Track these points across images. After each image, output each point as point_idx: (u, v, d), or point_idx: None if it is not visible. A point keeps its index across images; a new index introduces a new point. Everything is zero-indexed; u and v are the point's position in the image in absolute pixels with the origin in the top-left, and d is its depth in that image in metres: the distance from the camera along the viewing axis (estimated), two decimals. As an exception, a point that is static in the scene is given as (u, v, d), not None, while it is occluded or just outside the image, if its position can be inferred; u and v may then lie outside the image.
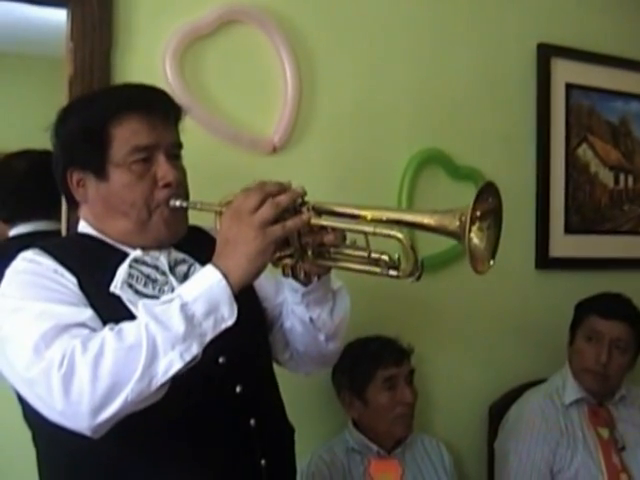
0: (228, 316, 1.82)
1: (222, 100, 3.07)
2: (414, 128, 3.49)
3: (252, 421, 2.11)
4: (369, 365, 3.11)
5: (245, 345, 2.05)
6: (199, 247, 2.11)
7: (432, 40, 3.54)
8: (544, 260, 3.80)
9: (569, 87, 3.86)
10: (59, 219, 2.73)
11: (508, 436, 3.39)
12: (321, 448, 3.17)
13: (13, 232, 2.83)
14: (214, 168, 2.95)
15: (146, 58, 2.92)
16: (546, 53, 3.78)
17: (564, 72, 3.83)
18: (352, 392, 3.15)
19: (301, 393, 3.08)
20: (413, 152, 3.45)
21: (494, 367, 3.67)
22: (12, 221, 2.84)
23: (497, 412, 3.59)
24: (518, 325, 3.72)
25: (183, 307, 1.78)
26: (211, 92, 3.05)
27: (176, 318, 1.76)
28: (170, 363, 1.75)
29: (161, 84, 2.74)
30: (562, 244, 3.85)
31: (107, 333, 1.77)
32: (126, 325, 1.79)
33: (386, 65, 3.43)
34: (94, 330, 1.84)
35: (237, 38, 3.10)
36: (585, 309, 3.44)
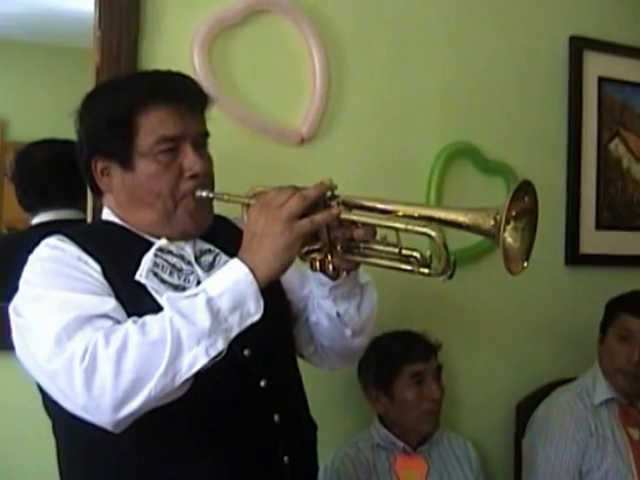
0: (254, 311, 1.80)
1: (250, 90, 3.05)
2: (443, 121, 3.45)
3: (276, 416, 2.08)
4: (396, 360, 3.08)
5: (270, 338, 2.02)
6: (224, 237, 2.10)
7: (463, 32, 3.50)
8: (574, 256, 3.75)
9: (601, 80, 3.81)
10: (80, 208, 2.73)
11: (536, 435, 3.34)
12: (346, 444, 3.14)
13: (35, 220, 2.83)
14: (241, 159, 2.93)
15: (174, 47, 2.89)
16: (578, 46, 3.73)
17: (596, 65, 3.78)
18: (378, 387, 3.11)
19: (326, 388, 3.06)
20: (442, 145, 3.42)
21: (522, 364, 3.62)
22: (33, 209, 2.83)
23: (525, 410, 3.54)
24: (547, 322, 3.68)
25: (209, 302, 1.75)
26: (239, 82, 3.03)
27: (201, 313, 1.74)
28: (195, 358, 1.73)
29: (188, 73, 2.72)
30: (593, 240, 3.80)
31: (130, 326, 1.76)
32: (150, 319, 1.77)
33: (416, 57, 3.39)
34: (117, 321, 1.82)
35: (265, 28, 3.07)
36: (616, 307, 3.37)
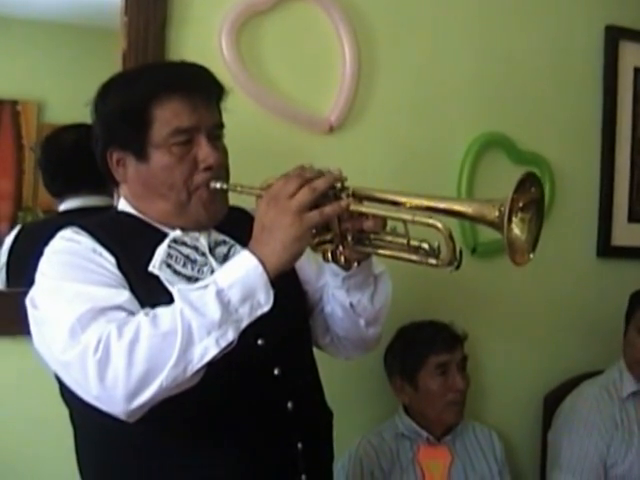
0: (264, 302, 1.81)
1: (278, 77, 3.05)
2: (476, 111, 3.43)
3: (289, 404, 2.09)
4: (421, 350, 3.09)
5: (284, 328, 2.04)
6: (240, 228, 2.08)
7: (496, 21, 3.47)
8: (606, 248, 3.73)
9: (637, 71, 3.77)
10: (109, 195, 2.71)
11: (561, 427, 3.33)
12: (370, 432, 3.15)
13: (63, 207, 2.84)
14: (269, 146, 2.94)
15: (202, 34, 2.89)
16: (614, 36, 3.68)
17: (633, 56, 3.73)
18: (403, 377, 3.12)
19: (352, 377, 3.08)
20: (474, 135, 3.40)
21: (551, 356, 3.60)
22: (61, 195, 2.84)
23: (553, 402, 3.53)
24: (577, 314, 3.66)
25: (219, 293, 1.77)
26: (267, 69, 3.02)
27: (212, 304, 1.76)
28: (205, 349, 1.75)
29: (216, 60, 2.75)
30: (625, 233, 3.77)
31: (142, 318, 1.78)
32: (161, 311, 1.79)
33: (448, 45, 3.37)
34: (131, 313, 1.84)
35: (295, 15, 3.06)
36: (637, 300, 3.37)
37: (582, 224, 3.66)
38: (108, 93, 2.08)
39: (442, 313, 3.21)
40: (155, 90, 2.01)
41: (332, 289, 2.19)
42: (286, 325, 2.05)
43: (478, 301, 3.42)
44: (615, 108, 3.71)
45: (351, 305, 2.16)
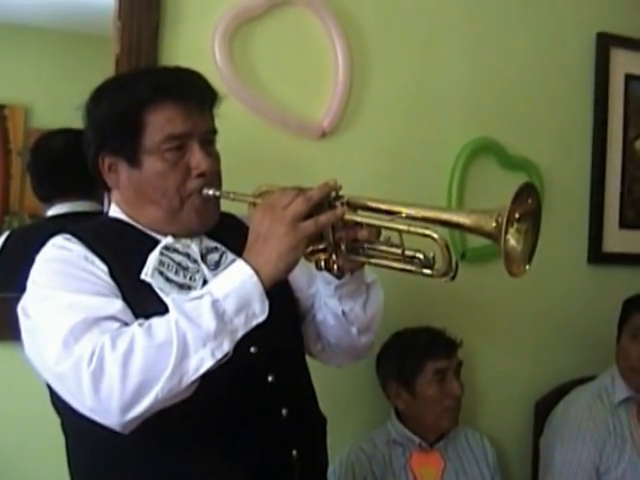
0: (259, 312, 1.81)
1: (271, 83, 3.04)
2: (467, 116, 3.43)
3: (284, 411, 2.09)
4: (419, 356, 3.08)
5: (277, 335, 2.01)
6: (231, 235, 2.09)
7: (488, 27, 3.46)
8: (597, 255, 3.72)
9: (628, 78, 3.77)
10: (98, 200, 2.71)
11: (554, 433, 3.33)
12: (362, 439, 3.14)
13: (51, 212, 2.82)
14: (261, 152, 2.94)
15: (194, 39, 2.88)
16: (605, 43, 3.69)
17: (623, 62, 3.74)
18: (399, 383, 3.11)
19: (344, 383, 3.07)
20: (465, 141, 3.39)
21: (542, 362, 3.60)
22: (50, 200, 2.82)
23: (544, 408, 3.53)
24: (568, 320, 3.65)
25: (214, 304, 1.77)
26: (260, 75, 3.02)
27: (207, 315, 1.75)
28: (201, 361, 1.75)
29: (209, 66, 2.74)
30: (616, 239, 3.76)
31: (136, 329, 1.77)
32: (156, 321, 1.78)
33: (440, 52, 3.37)
34: (124, 322, 1.84)
35: (288, 20, 3.05)
36: (631, 306, 3.37)
37: (573, 230, 3.66)
38: (101, 97, 2.07)
39: (433, 319, 3.21)
40: (148, 95, 2.00)
41: (324, 297, 2.18)
42: (279, 332, 2.02)
43: (468, 307, 3.41)
44: (606, 114, 3.71)
45: (343, 313, 2.15)
